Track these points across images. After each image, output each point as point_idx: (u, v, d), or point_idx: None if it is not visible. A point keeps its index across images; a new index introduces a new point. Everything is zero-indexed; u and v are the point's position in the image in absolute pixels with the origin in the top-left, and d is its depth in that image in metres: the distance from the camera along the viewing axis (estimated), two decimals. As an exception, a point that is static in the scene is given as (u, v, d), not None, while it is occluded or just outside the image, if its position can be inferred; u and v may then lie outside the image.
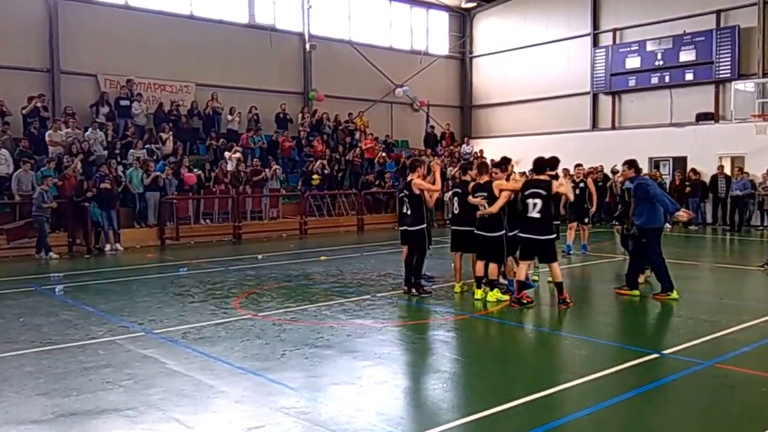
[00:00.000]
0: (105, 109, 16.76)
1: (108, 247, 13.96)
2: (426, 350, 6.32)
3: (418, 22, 25.48)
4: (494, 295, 8.14)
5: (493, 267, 8.10)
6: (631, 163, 8.46)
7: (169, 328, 7.02)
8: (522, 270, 7.97)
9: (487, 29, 26.27)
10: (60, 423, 4.44)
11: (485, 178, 8.36)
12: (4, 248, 13.25)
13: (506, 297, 8.13)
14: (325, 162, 18.78)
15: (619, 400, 4.78)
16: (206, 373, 5.44)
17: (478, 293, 8.28)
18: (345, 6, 23.19)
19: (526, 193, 7.81)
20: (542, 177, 7.95)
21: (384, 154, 21.14)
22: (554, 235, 8.09)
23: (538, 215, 7.69)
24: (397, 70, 24.06)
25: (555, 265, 7.86)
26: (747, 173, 17.84)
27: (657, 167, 20.46)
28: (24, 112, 15.51)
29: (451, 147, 23.56)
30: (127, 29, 17.98)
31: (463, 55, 26.87)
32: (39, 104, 15.69)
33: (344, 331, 6.80)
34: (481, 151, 22.98)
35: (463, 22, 26.76)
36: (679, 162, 20.07)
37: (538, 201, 7.69)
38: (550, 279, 8.46)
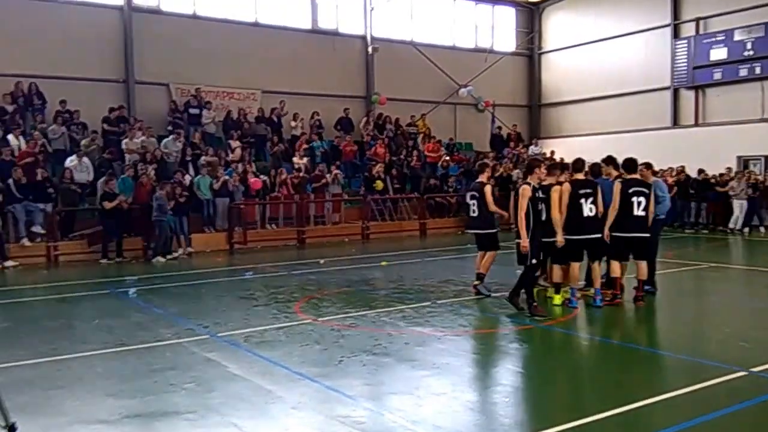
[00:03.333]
0: (177, 118, 17.43)
1: (180, 251, 14.48)
2: (487, 361, 6.12)
3: (483, 19, 24.98)
4: (559, 297, 8.01)
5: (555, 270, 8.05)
6: (648, 165, 8.47)
7: (233, 332, 7.14)
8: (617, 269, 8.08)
9: (557, 23, 25.44)
10: (125, 424, 4.57)
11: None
12: (86, 251, 14.01)
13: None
14: (381, 168, 18.72)
15: (699, 422, 4.42)
16: (265, 377, 5.47)
17: (557, 299, 8.11)
18: (407, 6, 23.09)
19: (630, 191, 7.85)
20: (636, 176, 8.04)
21: (447, 158, 20.89)
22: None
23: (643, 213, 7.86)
24: (461, 70, 23.68)
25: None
26: None
27: (746, 167, 19.07)
28: (105, 122, 16.38)
29: (519, 148, 22.97)
30: (195, 38, 18.63)
31: (531, 52, 26.14)
32: (118, 114, 16.54)
33: (402, 339, 6.70)
34: (552, 152, 22.20)
35: (531, 17, 26.05)
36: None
37: (643, 199, 7.85)
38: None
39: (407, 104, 22.54)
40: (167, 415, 4.71)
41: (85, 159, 14.99)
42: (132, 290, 9.95)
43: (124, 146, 15.84)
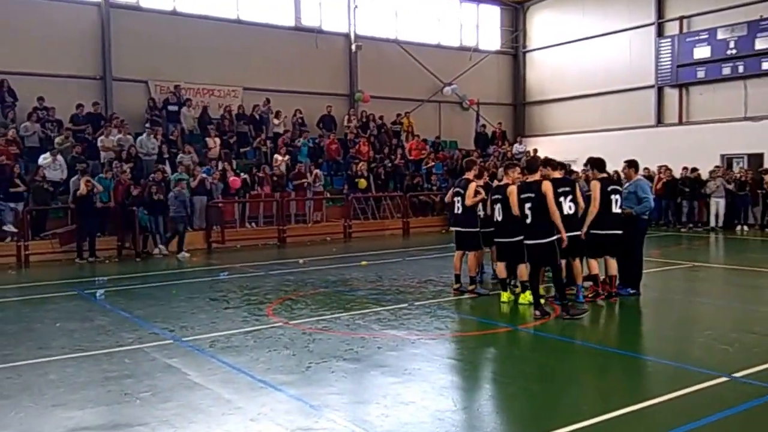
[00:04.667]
0: (154, 115, 17.04)
1: (156, 251, 14.14)
2: (461, 367, 5.87)
3: (467, 18, 24.75)
4: (526, 297, 7.84)
5: (521, 268, 7.91)
6: (632, 163, 8.52)
7: (199, 336, 6.84)
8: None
9: (542, 22, 25.28)
10: (69, 438, 4.27)
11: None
12: (58, 251, 13.61)
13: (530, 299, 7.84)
14: (365, 165, 18.46)
15: (686, 430, 4.21)
16: (226, 386, 5.19)
17: (505, 296, 8.07)
18: (391, 4, 22.82)
19: (608, 189, 7.94)
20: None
21: (432, 156, 20.66)
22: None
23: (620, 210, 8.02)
24: (446, 68, 23.47)
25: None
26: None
27: (729, 165, 19.03)
28: (72, 120, 15.95)
29: (504, 146, 22.79)
30: (175, 35, 18.24)
31: (515, 50, 25.98)
32: (92, 111, 16.10)
33: (375, 343, 6.44)
34: (535, 150, 22.06)
35: (515, 15, 25.87)
36: (755, 159, 18.56)
37: (619, 197, 8.02)
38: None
39: (391, 102, 22.27)
40: (116, 427, 4.41)
41: (59, 157, 14.57)
42: (100, 292, 9.61)
43: (99, 144, 15.44)
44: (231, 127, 18.05)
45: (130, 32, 17.70)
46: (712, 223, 17.43)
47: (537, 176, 7.51)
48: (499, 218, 7.91)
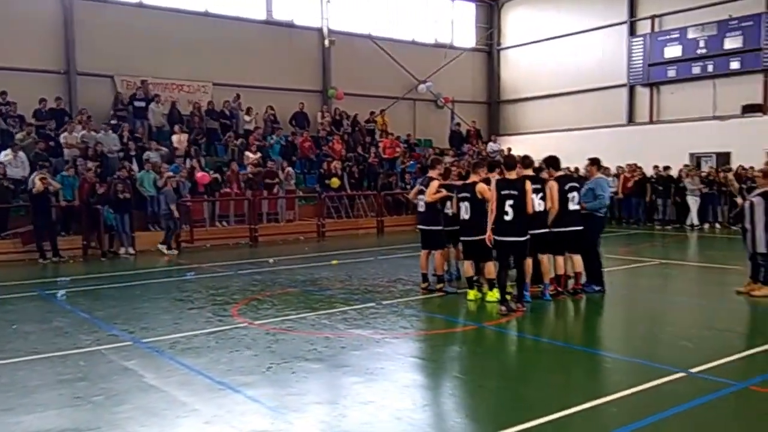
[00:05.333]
0: (120, 111, 16.70)
1: (122, 250, 13.87)
2: (424, 365, 5.83)
3: (442, 14, 24.74)
4: (493, 294, 7.85)
5: (489, 266, 7.94)
6: (594, 161, 8.64)
7: (159, 337, 6.69)
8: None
9: (517, 19, 25.39)
10: (14, 445, 4.12)
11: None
12: (21, 251, 13.25)
13: (496, 296, 7.87)
14: (338, 164, 18.35)
15: (639, 426, 4.22)
16: (183, 388, 5.07)
17: (471, 294, 8.05)
18: (365, -1, 22.69)
19: (566, 188, 8.00)
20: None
21: (407, 154, 20.64)
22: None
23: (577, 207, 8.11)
24: (421, 65, 23.41)
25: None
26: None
27: (698, 164, 19.34)
28: (35, 116, 15.56)
29: (478, 145, 22.87)
30: (142, 28, 17.87)
31: (490, 48, 26.04)
32: (54, 106, 15.71)
33: (339, 343, 6.36)
34: (509, 149, 22.18)
35: (490, 12, 25.93)
36: (723, 158, 18.88)
37: (576, 194, 8.15)
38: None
39: (365, 99, 22.18)
40: (65, 432, 4.27)
41: (21, 154, 14.19)
42: (61, 292, 9.36)
43: (63, 140, 15.06)
44: (200, 123, 17.75)
45: (95, 25, 17.29)
46: (690, 221, 17.56)
47: (514, 174, 7.54)
48: (466, 216, 7.90)
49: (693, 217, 17.54)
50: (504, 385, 5.19)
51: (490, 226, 7.42)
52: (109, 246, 13.81)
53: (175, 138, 16.63)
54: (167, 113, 17.59)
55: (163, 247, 13.89)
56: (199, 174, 15.40)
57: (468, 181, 8.10)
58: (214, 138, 18.22)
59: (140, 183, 14.49)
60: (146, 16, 18.13)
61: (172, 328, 7.07)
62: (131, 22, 17.76)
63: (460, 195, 8.03)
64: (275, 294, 9.05)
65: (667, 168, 18.39)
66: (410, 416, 4.45)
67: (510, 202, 7.28)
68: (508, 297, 7.54)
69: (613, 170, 19.50)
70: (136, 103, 17.11)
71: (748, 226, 8.13)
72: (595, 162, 8.59)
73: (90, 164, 14.32)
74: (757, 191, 8.23)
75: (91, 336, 6.80)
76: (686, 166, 18.59)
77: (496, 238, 7.43)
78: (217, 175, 16.12)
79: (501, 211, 7.32)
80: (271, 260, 12.56)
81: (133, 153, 15.67)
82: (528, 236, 7.44)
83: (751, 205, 8.07)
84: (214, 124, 18.26)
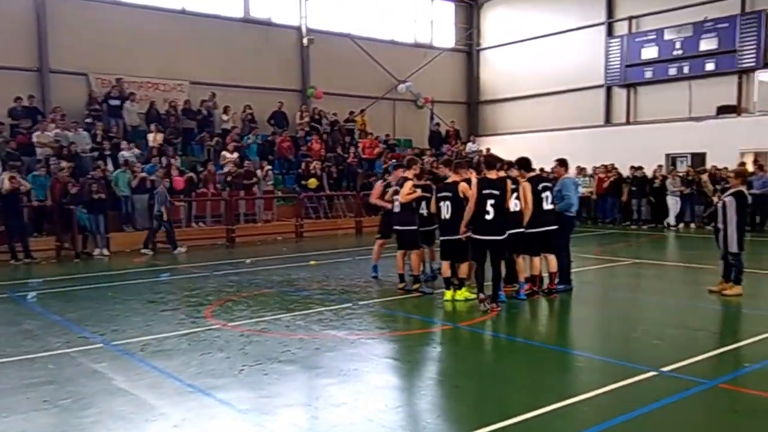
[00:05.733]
0: (94, 109, 16.43)
1: (97, 251, 13.66)
2: (398, 366, 5.81)
3: (422, 14, 24.72)
4: (462, 293, 7.90)
5: (464, 267, 7.99)
6: (562, 162, 8.66)
7: (130, 340, 6.59)
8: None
9: (496, 20, 25.43)
10: (-24, 452, 4.02)
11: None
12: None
13: (473, 295, 7.97)
14: (318, 164, 18.27)
15: (610, 425, 4.25)
16: (152, 391, 5.00)
17: (448, 294, 8.08)
18: (345, -2, 22.61)
19: (539, 188, 8.06)
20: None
21: (388, 154, 20.63)
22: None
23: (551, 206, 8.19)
24: (400, 65, 23.37)
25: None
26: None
27: (674, 164, 19.60)
28: (10, 114, 15.24)
29: (457, 145, 22.93)
30: (117, 26, 17.57)
31: (469, 48, 26.08)
32: (27, 104, 15.40)
33: (314, 344, 6.33)
34: (488, 150, 22.27)
35: (470, 12, 25.95)
36: (698, 158, 19.11)
37: (549, 194, 8.20)
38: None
39: (345, 99, 22.09)
40: (29, 438, 4.18)
41: (-8, 153, 13.89)
42: (31, 294, 9.17)
43: (35, 139, 14.77)
44: (176, 123, 17.53)
45: (68, 22, 16.96)
46: (667, 221, 17.81)
47: (494, 174, 7.59)
48: (447, 216, 7.91)
49: (671, 218, 17.81)
50: (478, 386, 5.20)
51: (464, 222, 7.47)
52: (82, 247, 13.58)
53: (150, 137, 16.40)
54: (145, 112, 17.34)
55: (145, 250, 13.87)
56: (175, 177, 15.21)
57: (449, 181, 8.10)
58: (190, 137, 18.02)
59: (115, 183, 14.27)
60: (121, 13, 17.83)
61: (144, 330, 6.97)
62: (106, 19, 17.46)
63: (442, 194, 8.01)
64: (251, 295, 8.98)
65: (639, 168, 18.61)
66: (382, 418, 4.44)
67: (491, 201, 7.33)
68: (482, 296, 7.57)
69: (590, 170, 19.77)
70: (111, 102, 16.85)
71: (720, 225, 8.25)
72: (563, 163, 8.65)
73: (63, 164, 14.06)
74: (730, 191, 8.35)
75: (62, 338, 6.68)
76: (660, 166, 18.86)
77: (477, 237, 7.46)
78: (192, 175, 15.95)
79: (482, 211, 7.34)
80: (247, 261, 12.46)
81: (107, 152, 15.42)
82: (506, 235, 7.49)
83: (724, 205, 8.19)
84: (190, 123, 18.05)
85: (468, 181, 7.81)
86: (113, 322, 7.41)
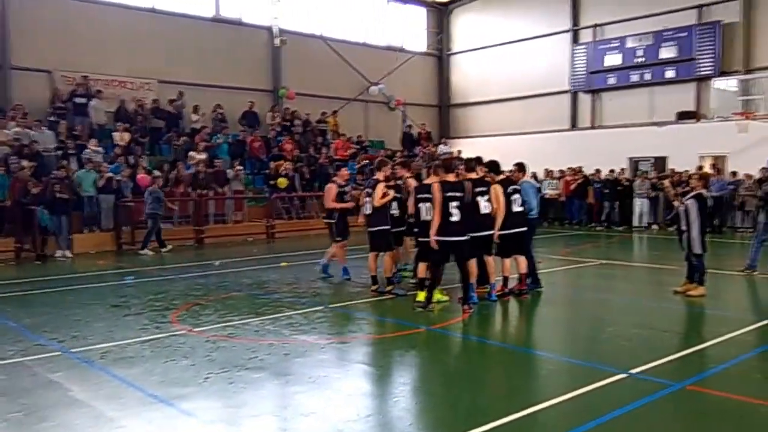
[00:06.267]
0: (59, 107, 15.93)
1: (59, 253, 13.21)
2: (370, 372, 5.69)
3: (394, 17, 24.73)
4: (434, 295, 7.86)
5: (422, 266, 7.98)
6: (521, 166, 8.63)
7: (90, 347, 6.32)
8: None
9: (465, 25, 25.63)
10: None
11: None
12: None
13: (446, 297, 8.04)
14: (290, 164, 18.06)
15: (582, 430, 4.20)
16: (112, 402, 4.77)
17: (421, 295, 7.98)
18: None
19: (509, 191, 8.11)
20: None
21: (363, 155, 20.54)
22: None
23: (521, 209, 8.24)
24: (372, 68, 23.31)
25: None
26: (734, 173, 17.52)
27: (637, 167, 20.02)
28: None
29: (429, 147, 22.96)
30: (84, 22, 17.10)
31: (440, 52, 26.20)
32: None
33: (283, 350, 6.16)
34: (459, 152, 22.41)
35: (440, 17, 26.08)
36: (660, 162, 19.59)
37: (518, 196, 8.27)
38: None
39: (317, 100, 21.93)
40: (-24, 455, 3.94)
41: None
42: (-14, 299, 8.77)
43: (-6, 137, 14.25)
44: (144, 122, 17.12)
45: (31, 17, 16.42)
46: (636, 222, 18.18)
47: (453, 176, 7.59)
48: (428, 218, 7.83)
49: (635, 219, 18.14)
50: (449, 391, 5.11)
51: (434, 229, 7.41)
52: (42, 249, 13.11)
53: (117, 136, 15.97)
54: (114, 111, 16.88)
55: (145, 251, 13.74)
56: (140, 176, 14.83)
57: (427, 182, 8.01)
58: (158, 137, 17.61)
59: (79, 183, 13.84)
60: (88, 9, 17.33)
61: (105, 337, 6.69)
62: (72, 16, 16.96)
63: (421, 196, 7.91)
64: (219, 299, 8.76)
65: (612, 171, 18.98)
66: (353, 427, 4.31)
67: (455, 203, 7.36)
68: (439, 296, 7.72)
69: (557, 173, 20.13)
70: (76, 100, 16.36)
71: (684, 228, 8.39)
72: (521, 167, 8.65)
73: (24, 163, 13.57)
74: (691, 194, 8.51)
75: (15, 346, 6.37)
76: (623, 169, 19.28)
77: (441, 238, 7.44)
78: (159, 174, 15.56)
79: (447, 213, 7.35)
80: (216, 263, 12.19)
81: (71, 151, 14.95)
82: (468, 236, 7.53)
83: (686, 208, 8.34)
84: (159, 122, 17.65)
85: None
86: (73, 327, 7.12)
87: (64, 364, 5.76)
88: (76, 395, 4.93)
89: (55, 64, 16.85)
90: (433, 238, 7.40)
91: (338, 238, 9.98)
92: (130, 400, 4.83)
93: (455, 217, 7.36)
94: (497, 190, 7.96)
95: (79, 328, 7.11)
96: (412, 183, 8.74)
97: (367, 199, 8.68)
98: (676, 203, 8.84)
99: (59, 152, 14.89)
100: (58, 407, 4.69)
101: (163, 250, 14.01)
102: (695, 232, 8.24)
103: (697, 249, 8.30)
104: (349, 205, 10.00)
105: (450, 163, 7.87)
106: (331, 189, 9.82)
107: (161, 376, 5.37)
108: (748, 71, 18.16)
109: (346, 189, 10.15)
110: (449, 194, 7.39)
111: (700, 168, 17.95)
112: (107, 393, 4.98)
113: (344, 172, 10.12)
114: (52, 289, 9.72)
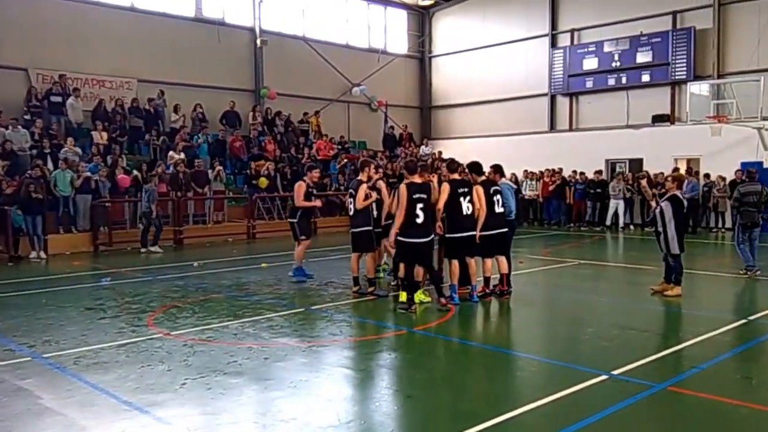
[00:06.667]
0: (34, 106, 15.59)
1: (33, 254, 12.91)
2: (351, 376, 5.59)
3: (375, 20, 24.78)
4: (417, 297, 7.87)
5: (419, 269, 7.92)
6: (497, 168, 8.64)
7: (63, 352, 6.14)
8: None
9: (446, 28, 25.78)
10: None
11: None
12: None
13: (428, 299, 8.06)
14: (271, 164, 17.91)
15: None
16: (84, 410, 4.62)
17: (403, 296, 7.96)
18: (299, 1, 22.32)
19: (491, 191, 8.13)
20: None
21: (344, 154, 20.45)
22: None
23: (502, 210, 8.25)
24: (354, 69, 23.30)
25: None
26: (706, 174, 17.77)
27: (614, 169, 20.26)
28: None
29: (411, 148, 22.98)
30: (61, 20, 16.81)
31: (422, 55, 26.30)
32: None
33: (263, 354, 6.05)
34: (440, 153, 22.52)
35: (421, 20, 26.19)
36: (636, 164, 19.87)
37: (500, 197, 8.28)
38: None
39: (299, 100, 21.84)
40: (-61, 467, 3.77)
41: None
42: (-45, 302, 8.51)
43: (-35, 136, 13.87)
44: (123, 121, 16.83)
45: (7, 14, 16.06)
46: (608, 222, 18.49)
47: (417, 177, 7.68)
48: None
49: (609, 219, 18.36)
50: (432, 395, 5.04)
51: (394, 230, 7.53)
52: (15, 250, 12.80)
53: (95, 135, 15.69)
54: (92, 110, 16.57)
55: (154, 248, 14.03)
56: (120, 176, 14.58)
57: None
58: (137, 136, 17.33)
59: (54, 183, 13.54)
60: (66, 6, 17.04)
61: (79, 341, 6.52)
62: (48, 13, 16.66)
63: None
64: (197, 301, 8.60)
65: (599, 172, 19.22)
66: (333, 433, 4.22)
67: (420, 205, 7.45)
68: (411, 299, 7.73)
69: (536, 174, 20.31)
70: (53, 98, 16.05)
71: (660, 229, 8.48)
72: (498, 169, 8.66)
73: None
74: (666, 196, 8.65)
75: (-16, 352, 6.17)
76: (599, 171, 19.49)
77: (407, 240, 7.53)
78: (138, 174, 15.32)
79: (412, 214, 7.44)
80: (195, 264, 12.01)
81: (47, 151, 14.63)
82: (432, 237, 7.65)
83: (662, 210, 8.44)
84: (138, 122, 17.38)
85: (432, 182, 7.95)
86: (45, 332, 6.92)
87: (34, 371, 5.58)
88: (46, 403, 4.77)
89: (31, 62, 16.55)
90: (392, 237, 7.58)
91: (302, 237, 9.95)
92: (103, 407, 4.68)
93: (420, 218, 7.45)
94: (479, 191, 7.97)
95: (52, 332, 6.92)
96: (383, 184, 8.90)
97: (350, 200, 8.60)
98: (653, 204, 8.94)
99: (34, 151, 14.56)
100: (27, 416, 4.52)
101: (143, 249, 14.01)
102: (672, 233, 8.34)
103: (674, 249, 8.39)
104: (317, 203, 10.09)
105: (413, 165, 7.92)
106: (301, 187, 9.75)
107: (136, 382, 5.22)
108: (721, 76, 18.53)
109: (313, 191, 10.00)
110: (415, 196, 7.45)
111: (676, 170, 18.22)
112: (79, 400, 4.83)
113: (315, 173, 10.04)
114: (24, 292, 9.47)
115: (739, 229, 10.07)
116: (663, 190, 9.82)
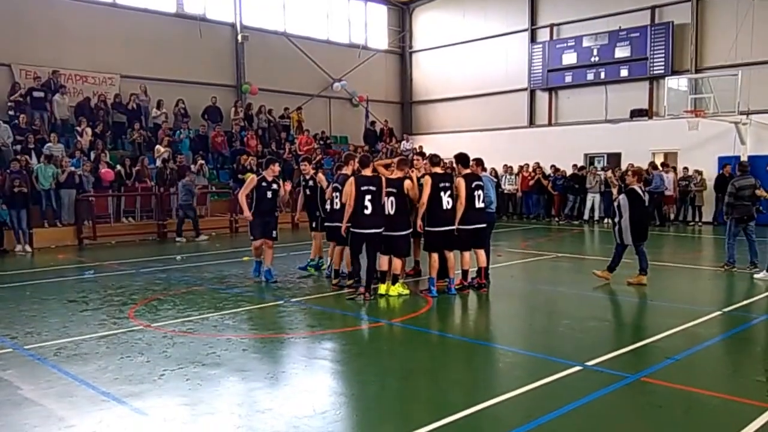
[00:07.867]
0: (18, 101, 15.49)
1: (18, 248, 12.90)
2: (328, 367, 5.71)
3: (356, 15, 24.74)
4: (396, 289, 8.08)
5: (397, 262, 8.20)
6: (479, 162, 8.74)
7: (44, 343, 6.21)
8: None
9: (426, 24, 25.80)
10: None
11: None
12: None
13: (407, 291, 8.26)
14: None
15: (541, 423, 4.24)
16: (62, 401, 4.70)
17: (383, 288, 8.18)
18: (280, -3, 22.30)
19: (473, 186, 8.25)
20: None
21: (319, 150, 20.47)
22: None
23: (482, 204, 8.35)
24: (335, 64, 23.31)
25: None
26: (673, 167, 18.16)
27: (592, 163, 20.51)
28: None
29: (391, 143, 23.07)
30: (44, 15, 16.73)
31: (402, 50, 26.32)
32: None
33: (242, 345, 6.15)
34: (421, 147, 22.59)
35: (402, 16, 26.20)
36: (614, 158, 20.10)
37: (481, 192, 8.38)
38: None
39: (280, 95, 21.84)
40: None
41: None
42: (-65, 296, 8.50)
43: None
44: (106, 116, 16.78)
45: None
46: (586, 216, 18.84)
47: (368, 171, 8.02)
48: (391, 212, 7.95)
49: (586, 213, 18.71)
50: (408, 386, 5.15)
51: (345, 221, 7.90)
52: (1, 243, 12.78)
53: (80, 130, 15.64)
54: (75, 105, 16.49)
55: (199, 238, 14.88)
56: (103, 170, 14.56)
57: (394, 177, 8.11)
58: (120, 131, 17.28)
59: (35, 177, 13.50)
60: (48, 3, 16.92)
61: (60, 333, 6.59)
62: (31, 9, 16.56)
63: (386, 190, 8.00)
64: (178, 293, 8.67)
65: (582, 168, 19.43)
66: (308, 423, 4.31)
67: (368, 197, 7.77)
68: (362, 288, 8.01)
69: (516, 169, 20.53)
70: (35, 94, 15.96)
71: (616, 220, 8.86)
72: (479, 162, 8.77)
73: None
74: (624, 190, 9.00)
75: (-36, 345, 6.21)
76: (577, 166, 19.79)
77: (357, 230, 7.84)
78: (121, 169, 15.30)
79: (362, 206, 7.73)
80: (178, 257, 12.07)
81: (31, 146, 14.56)
82: (382, 228, 7.90)
83: (619, 202, 8.82)
84: (121, 117, 17.33)
85: (410, 178, 8.16)
86: (27, 323, 6.98)
87: (15, 362, 5.65)
88: (25, 394, 4.84)
89: (15, 57, 16.45)
90: (344, 226, 7.93)
91: (250, 237, 9.55)
92: (82, 398, 4.76)
93: (368, 210, 7.75)
94: (460, 183, 8.08)
95: (34, 324, 6.98)
96: (323, 178, 9.29)
97: (335, 194, 8.67)
98: (614, 194, 9.28)
99: (18, 147, 14.50)
100: (5, 406, 4.60)
101: (177, 239, 14.75)
102: (626, 224, 8.73)
103: (627, 240, 8.80)
104: (248, 216, 9.14)
105: (366, 158, 8.22)
106: (252, 180, 9.13)
107: (115, 373, 5.31)
108: (698, 71, 18.75)
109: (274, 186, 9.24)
110: (363, 188, 7.76)
111: (631, 165, 18.46)
112: (58, 391, 4.90)
113: (275, 167, 9.17)
114: (8, 284, 9.49)
115: (732, 223, 10.04)
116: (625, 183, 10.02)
